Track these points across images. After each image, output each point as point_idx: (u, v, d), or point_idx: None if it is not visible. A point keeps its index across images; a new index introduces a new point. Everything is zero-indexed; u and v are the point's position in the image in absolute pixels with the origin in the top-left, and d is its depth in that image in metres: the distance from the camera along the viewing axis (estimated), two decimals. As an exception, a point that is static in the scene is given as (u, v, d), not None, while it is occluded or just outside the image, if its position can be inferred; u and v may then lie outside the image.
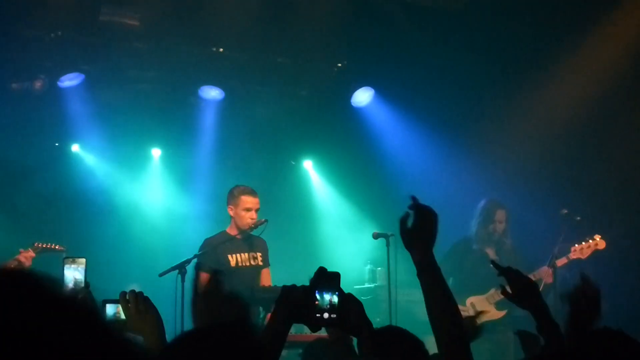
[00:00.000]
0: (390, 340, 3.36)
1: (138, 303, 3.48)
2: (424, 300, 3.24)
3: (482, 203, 9.70)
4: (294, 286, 3.08)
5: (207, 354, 2.14)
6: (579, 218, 9.12)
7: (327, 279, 3.06)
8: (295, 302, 3.04)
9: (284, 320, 3.03)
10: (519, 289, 3.58)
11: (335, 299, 3.05)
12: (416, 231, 3.29)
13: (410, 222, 3.30)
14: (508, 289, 3.73)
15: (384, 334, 3.45)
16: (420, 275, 3.26)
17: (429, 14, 10.20)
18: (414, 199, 3.34)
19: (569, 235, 9.14)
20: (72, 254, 10.38)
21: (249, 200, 8.66)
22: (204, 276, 8.39)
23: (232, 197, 8.75)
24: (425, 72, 10.75)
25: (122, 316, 3.52)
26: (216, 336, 2.22)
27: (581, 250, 9.15)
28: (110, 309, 3.72)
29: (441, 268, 9.91)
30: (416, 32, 10.44)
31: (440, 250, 9.86)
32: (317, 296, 3.04)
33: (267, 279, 8.52)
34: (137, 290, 3.52)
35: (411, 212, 3.31)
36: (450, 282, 9.43)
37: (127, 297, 3.50)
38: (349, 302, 3.06)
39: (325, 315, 3.04)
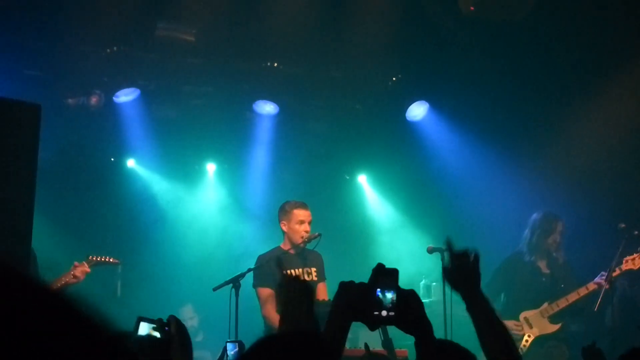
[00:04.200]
0: (443, 350, 3.31)
1: (178, 330, 3.50)
2: (476, 332, 3.23)
3: (538, 215, 9.57)
4: (351, 281, 3.07)
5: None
6: (636, 232, 9.00)
7: (385, 275, 3.03)
8: (353, 297, 3.02)
9: (343, 313, 3.02)
10: (458, 270, 3.46)
11: (393, 296, 3.00)
12: (456, 274, 3.33)
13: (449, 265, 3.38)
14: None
15: (437, 345, 3.41)
16: (469, 310, 3.25)
17: (484, 26, 10.13)
18: (449, 243, 3.45)
19: (627, 250, 9.03)
20: (126, 268, 10.45)
21: (301, 213, 8.63)
22: (263, 291, 8.48)
23: (283, 212, 8.72)
24: (479, 84, 10.69)
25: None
26: (293, 343, 2.37)
27: (633, 260, 9.02)
28: (143, 328, 3.70)
29: (492, 284, 9.84)
30: (470, 44, 10.38)
31: (491, 265, 9.79)
32: (378, 293, 3.01)
33: (324, 293, 8.44)
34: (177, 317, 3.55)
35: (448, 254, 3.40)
36: (502, 297, 9.42)
37: (168, 321, 3.52)
38: (408, 300, 3.03)
39: (384, 312, 2.99)
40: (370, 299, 2.98)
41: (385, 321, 3.02)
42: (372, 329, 3.11)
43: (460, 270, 3.33)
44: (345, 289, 3.04)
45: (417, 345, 3.05)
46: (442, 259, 9.13)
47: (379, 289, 2.99)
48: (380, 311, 2.98)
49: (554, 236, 9.44)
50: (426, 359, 3.02)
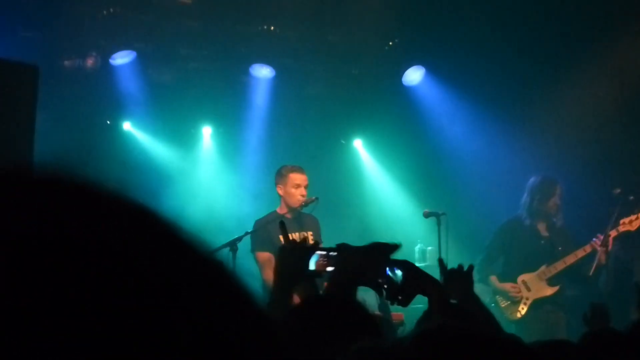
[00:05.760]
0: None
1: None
2: None
3: (537, 179, 9.55)
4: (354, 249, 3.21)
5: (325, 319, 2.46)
6: (632, 197, 9.04)
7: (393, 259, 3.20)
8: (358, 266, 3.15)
9: (348, 280, 3.16)
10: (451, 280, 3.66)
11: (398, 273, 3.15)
12: (452, 286, 3.58)
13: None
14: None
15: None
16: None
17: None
18: (440, 261, 3.87)
19: (622, 215, 9.06)
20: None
21: (297, 177, 8.64)
22: (262, 255, 8.49)
23: (280, 176, 8.73)
24: (476, 50, 10.67)
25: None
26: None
27: (630, 222, 9.05)
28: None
29: (491, 247, 9.91)
30: (468, 9, 10.35)
31: (489, 229, 9.82)
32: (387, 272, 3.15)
33: (320, 256, 8.46)
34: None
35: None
36: (501, 260, 9.46)
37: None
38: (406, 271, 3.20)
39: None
40: (380, 275, 3.11)
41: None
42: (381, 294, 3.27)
43: (456, 283, 3.58)
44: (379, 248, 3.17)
45: (430, 303, 3.16)
46: (438, 224, 9.22)
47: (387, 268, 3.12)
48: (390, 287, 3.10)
49: (553, 199, 9.44)
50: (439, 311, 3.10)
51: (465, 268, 3.64)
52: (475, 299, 3.53)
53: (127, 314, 0.70)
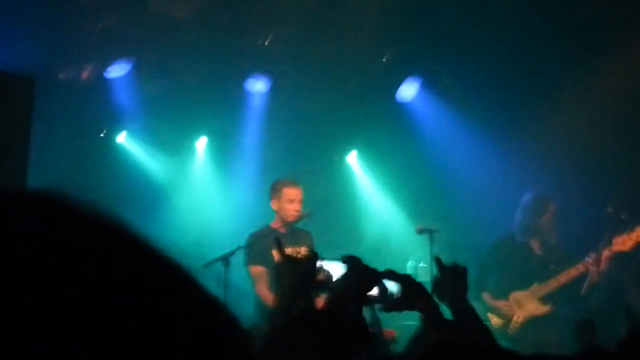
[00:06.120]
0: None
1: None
2: None
3: (530, 196, 9.57)
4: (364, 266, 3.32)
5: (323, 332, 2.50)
6: (624, 216, 9.05)
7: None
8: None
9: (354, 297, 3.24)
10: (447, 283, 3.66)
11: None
12: (445, 286, 3.56)
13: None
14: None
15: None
16: (456, 319, 3.51)
17: (477, 2, 10.13)
18: (438, 260, 3.78)
19: (615, 234, 9.06)
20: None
21: (291, 192, 8.68)
22: (255, 269, 8.50)
23: (274, 190, 8.77)
24: (471, 64, 10.69)
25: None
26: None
27: (623, 242, 9.04)
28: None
29: (484, 264, 9.94)
30: (464, 22, 10.36)
31: (483, 246, 9.81)
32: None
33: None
34: None
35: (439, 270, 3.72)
36: (494, 278, 9.45)
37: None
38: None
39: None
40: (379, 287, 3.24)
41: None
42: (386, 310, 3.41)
43: (449, 283, 3.52)
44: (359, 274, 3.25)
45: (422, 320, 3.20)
46: (430, 240, 9.22)
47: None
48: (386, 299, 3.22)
49: (545, 217, 9.45)
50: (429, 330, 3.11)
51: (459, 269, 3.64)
52: (468, 306, 3.54)
53: (91, 316, 0.76)
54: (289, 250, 8.42)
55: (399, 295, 3.32)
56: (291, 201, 8.63)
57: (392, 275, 3.37)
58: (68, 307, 0.75)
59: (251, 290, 8.31)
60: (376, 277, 3.31)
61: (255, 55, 10.77)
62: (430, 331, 3.06)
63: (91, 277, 0.79)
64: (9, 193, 0.86)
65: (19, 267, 0.76)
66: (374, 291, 3.45)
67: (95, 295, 0.78)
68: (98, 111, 10.90)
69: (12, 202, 0.85)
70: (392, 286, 3.54)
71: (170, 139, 11.45)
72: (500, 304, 9.26)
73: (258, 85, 11.19)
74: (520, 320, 9.22)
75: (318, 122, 11.59)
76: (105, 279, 0.79)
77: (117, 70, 10.58)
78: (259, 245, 8.43)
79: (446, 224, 9.89)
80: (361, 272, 3.29)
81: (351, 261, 3.36)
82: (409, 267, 10.64)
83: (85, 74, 10.43)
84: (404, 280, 3.39)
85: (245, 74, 11.09)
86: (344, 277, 3.34)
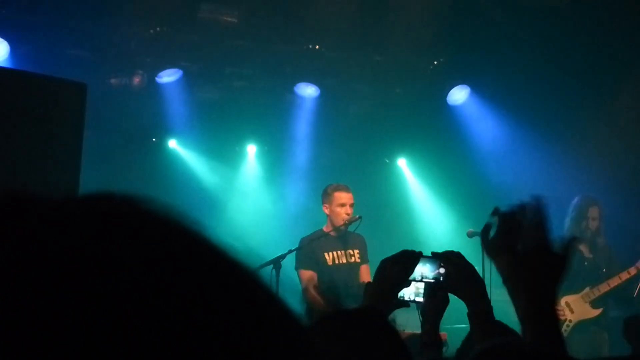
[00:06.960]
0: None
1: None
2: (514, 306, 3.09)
3: (575, 200, 9.52)
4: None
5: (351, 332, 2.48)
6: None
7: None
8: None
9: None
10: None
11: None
12: (499, 239, 2.71)
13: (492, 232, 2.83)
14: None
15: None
16: (506, 282, 2.90)
17: (526, 10, 10.07)
18: (497, 209, 2.83)
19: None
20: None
21: (342, 196, 8.69)
22: (305, 274, 8.53)
23: (326, 195, 8.80)
24: (520, 69, 10.63)
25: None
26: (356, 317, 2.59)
27: None
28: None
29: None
30: (513, 28, 10.32)
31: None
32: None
33: (367, 275, 8.43)
34: None
35: (493, 221, 2.79)
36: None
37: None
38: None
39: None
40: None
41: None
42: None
43: (507, 232, 2.65)
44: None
45: (469, 316, 3.13)
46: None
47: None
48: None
49: (588, 221, 9.38)
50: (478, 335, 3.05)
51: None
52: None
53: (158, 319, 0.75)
54: (339, 254, 8.49)
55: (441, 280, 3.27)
56: (342, 205, 8.64)
57: (436, 256, 3.32)
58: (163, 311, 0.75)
59: (301, 294, 8.32)
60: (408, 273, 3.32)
61: (306, 60, 10.79)
62: (476, 332, 3.02)
63: (179, 283, 0.79)
64: (99, 195, 0.85)
65: (128, 269, 0.77)
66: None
67: (182, 296, 0.77)
68: (149, 117, 10.99)
69: (105, 204, 0.84)
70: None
71: (221, 144, 11.51)
72: (552, 308, 9.19)
73: (308, 90, 11.22)
74: (572, 323, 9.15)
75: (368, 127, 11.59)
76: (194, 289, 0.79)
77: (168, 76, 10.66)
78: (309, 248, 8.46)
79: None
80: (395, 267, 3.30)
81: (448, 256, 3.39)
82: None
83: (136, 80, 10.51)
84: (449, 260, 3.30)
85: (295, 79, 11.12)
86: (376, 275, 3.36)
